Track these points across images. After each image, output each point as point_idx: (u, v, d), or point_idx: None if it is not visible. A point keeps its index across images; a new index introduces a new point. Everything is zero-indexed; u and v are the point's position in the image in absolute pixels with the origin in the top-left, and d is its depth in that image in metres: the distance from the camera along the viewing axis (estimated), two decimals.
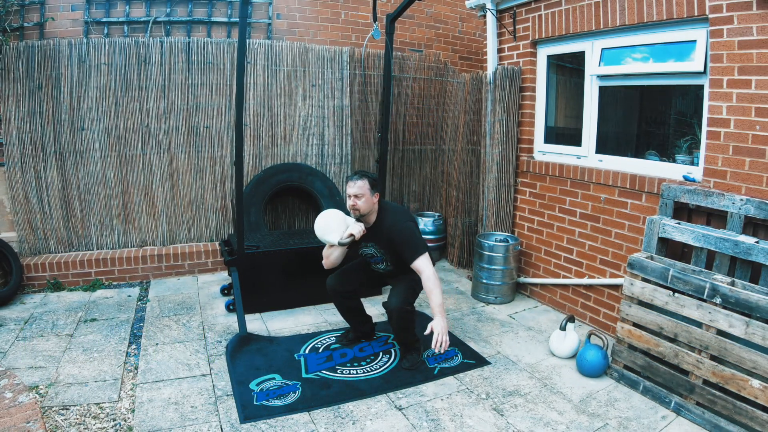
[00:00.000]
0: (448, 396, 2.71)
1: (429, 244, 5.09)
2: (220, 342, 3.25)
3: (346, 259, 3.07)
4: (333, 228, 2.90)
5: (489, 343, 3.33)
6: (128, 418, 2.41)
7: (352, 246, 2.97)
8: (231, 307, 3.70)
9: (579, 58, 3.70)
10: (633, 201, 3.27)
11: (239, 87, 3.29)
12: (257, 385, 2.73)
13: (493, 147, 4.18)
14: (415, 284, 2.90)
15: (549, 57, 3.97)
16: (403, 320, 2.87)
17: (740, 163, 2.66)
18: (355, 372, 2.91)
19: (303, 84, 4.85)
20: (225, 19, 4.66)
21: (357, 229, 2.85)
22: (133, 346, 3.17)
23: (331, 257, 2.99)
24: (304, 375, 2.85)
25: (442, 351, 2.56)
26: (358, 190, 2.80)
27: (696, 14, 2.79)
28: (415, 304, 2.98)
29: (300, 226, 5.16)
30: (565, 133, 4.06)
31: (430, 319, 3.66)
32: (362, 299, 3.26)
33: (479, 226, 4.46)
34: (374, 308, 3.79)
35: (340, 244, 2.87)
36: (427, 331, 2.59)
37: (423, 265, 2.73)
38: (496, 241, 4.06)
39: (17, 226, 4.19)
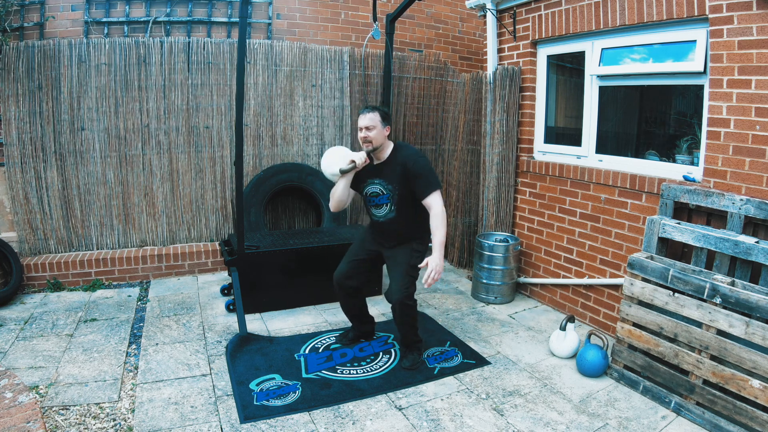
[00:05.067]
0: (448, 396, 2.71)
1: (430, 245, 5.14)
2: (220, 342, 3.25)
3: (353, 270, 3.03)
4: (337, 161, 2.88)
5: (489, 343, 3.33)
6: (128, 418, 2.41)
7: (358, 184, 2.94)
8: (231, 307, 3.70)
9: (579, 58, 3.69)
10: (633, 201, 3.27)
11: (239, 87, 3.29)
12: (257, 385, 2.73)
13: (493, 147, 4.18)
14: (411, 269, 2.85)
15: (549, 57, 3.97)
16: (404, 314, 2.84)
17: (740, 163, 2.66)
18: (355, 372, 2.91)
19: (303, 84, 4.85)
20: (225, 19, 4.66)
21: (359, 156, 2.81)
22: (133, 346, 3.17)
23: (335, 193, 2.90)
24: (304, 375, 2.85)
25: (426, 286, 2.53)
26: (369, 121, 2.76)
27: (696, 14, 2.79)
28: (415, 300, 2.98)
29: (300, 226, 5.16)
30: (565, 133, 4.06)
31: (431, 319, 3.69)
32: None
33: (479, 226, 4.46)
34: (374, 308, 3.79)
35: (342, 172, 2.82)
36: (422, 264, 2.58)
37: (435, 201, 2.69)
38: (496, 241, 4.06)
39: (17, 226, 4.19)
